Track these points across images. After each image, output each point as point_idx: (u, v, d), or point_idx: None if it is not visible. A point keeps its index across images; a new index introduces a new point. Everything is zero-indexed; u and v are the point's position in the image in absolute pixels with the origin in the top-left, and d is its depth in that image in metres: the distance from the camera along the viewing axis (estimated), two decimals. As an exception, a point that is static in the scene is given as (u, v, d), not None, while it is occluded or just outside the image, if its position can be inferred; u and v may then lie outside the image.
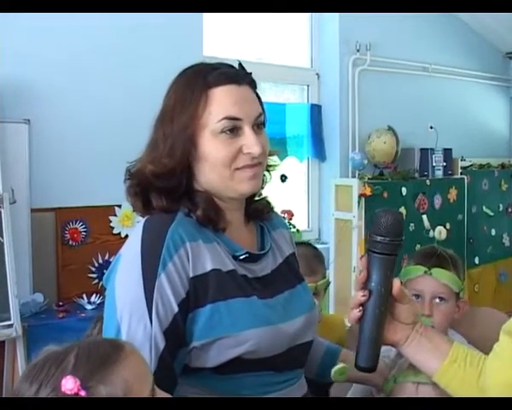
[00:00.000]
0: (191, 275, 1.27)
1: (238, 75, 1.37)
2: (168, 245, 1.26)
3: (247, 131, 1.33)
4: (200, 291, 1.27)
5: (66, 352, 0.99)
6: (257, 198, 1.49)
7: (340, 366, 1.59)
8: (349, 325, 2.22)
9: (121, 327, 1.23)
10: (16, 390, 0.99)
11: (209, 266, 1.29)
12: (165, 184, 1.34)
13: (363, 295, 1.25)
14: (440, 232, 2.06)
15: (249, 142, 1.32)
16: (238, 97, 1.33)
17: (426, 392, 1.55)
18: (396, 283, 1.25)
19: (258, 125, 1.37)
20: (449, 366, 1.24)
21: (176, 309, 1.24)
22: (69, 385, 0.92)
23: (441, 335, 1.35)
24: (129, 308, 1.24)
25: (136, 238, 1.29)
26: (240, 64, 1.42)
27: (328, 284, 2.30)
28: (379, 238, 1.23)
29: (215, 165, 1.32)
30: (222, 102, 1.32)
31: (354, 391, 1.87)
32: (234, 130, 1.32)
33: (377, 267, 1.24)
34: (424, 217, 4.18)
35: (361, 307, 1.25)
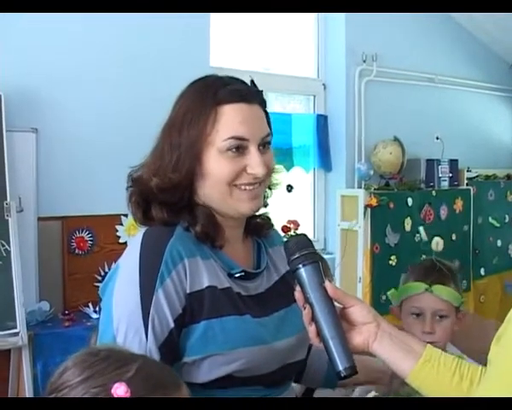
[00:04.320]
0: (188, 291, 1.27)
1: (249, 93, 1.36)
2: (166, 261, 1.27)
3: (253, 152, 1.33)
4: (195, 307, 1.27)
5: (130, 359, 1.00)
6: (257, 213, 1.49)
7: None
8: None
9: (117, 339, 1.24)
10: (63, 370, 0.99)
11: (205, 283, 1.29)
12: (169, 198, 1.34)
13: (305, 308, 1.23)
14: (437, 244, 2.05)
15: (253, 162, 1.32)
16: (247, 117, 1.33)
17: None
18: (327, 284, 1.23)
19: (265, 145, 1.37)
20: (423, 366, 1.22)
21: (172, 325, 1.25)
22: (120, 391, 0.92)
23: (413, 336, 1.34)
24: (125, 321, 1.25)
25: (134, 251, 1.30)
26: (252, 81, 1.41)
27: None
28: (296, 254, 1.24)
29: (217, 181, 1.33)
30: (230, 120, 1.31)
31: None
32: (239, 149, 1.32)
33: (306, 279, 1.24)
34: (421, 228, 4.19)
35: (312, 322, 1.23)
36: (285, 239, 1.32)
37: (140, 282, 1.25)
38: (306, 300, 1.23)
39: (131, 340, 1.23)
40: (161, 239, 1.30)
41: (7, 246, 2.80)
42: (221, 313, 1.29)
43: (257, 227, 1.49)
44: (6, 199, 2.84)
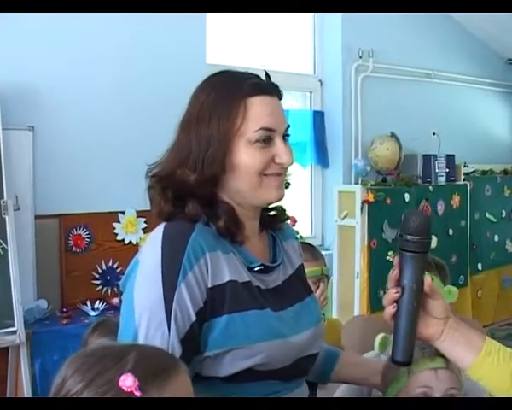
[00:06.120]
0: (209, 285, 1.28)
1: (270, 87, 1.39)
2: (189, 255, 1.27)
3: (279, 142, 1.36)
4: (217, 301, 1.28)
5: (125, 350, 1.00)
6: (271, 206, 1.51)
7: (381, 335, 1.60)
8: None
9: (139, 333, 1.25)
10: (63, 379, 0.98)
11: (226, 277, 1.30)
12: (204, 192, 1.35)
13: (397, 292, 1.28)
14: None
15: (281, 152, 1.35)
16: (272, 108, 1.37)
17: (445, 377, 1.57)
18: (427, 279, 1.28)
19: (284, 137, 1.40)
20: (483, 360, 1.27)
21: (194, 318, 1.26)
22: (128, 382, 0.93)
23: (474, 330, 1.37)
24: (147, 315, 1.25)
25: (155, 245, 1.30)
26: (267, 74, 1.43)
27: (329, 273, 2.38)
28: (409, 237, 1.27)
29: (246, 172, 1.34)
30: (259, 112, 1.34)
31: (343, 392, 1.87)
32: (267, 140, 1.35)
33: (408, 265, 1.27)
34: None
35: (395, 304, 1.28)
36: (405, 212, 1.31)
37: (162, 276, 1.26)
38: (400, 282, 1.28)
39: (154, 333, 1.24)
40: (183, 233, 1.31)
41: (4, 244, 2.80)
42: (243, 307, 1.30)
43: (271, 220, 1.52)
44: (3, 197, 2.84)
